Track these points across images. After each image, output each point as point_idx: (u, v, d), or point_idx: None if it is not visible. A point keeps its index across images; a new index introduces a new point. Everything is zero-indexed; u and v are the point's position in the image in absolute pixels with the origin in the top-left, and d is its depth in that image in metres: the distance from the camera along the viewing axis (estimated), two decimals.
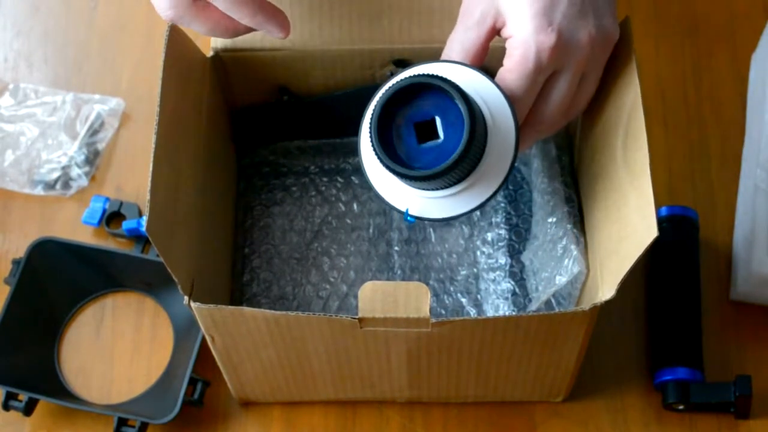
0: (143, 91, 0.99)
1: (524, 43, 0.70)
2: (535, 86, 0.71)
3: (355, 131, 0.75)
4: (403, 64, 0.82)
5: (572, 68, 0.71)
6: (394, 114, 0.70)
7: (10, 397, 0.84)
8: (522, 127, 0.73)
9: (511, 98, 0.70)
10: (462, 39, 0.73)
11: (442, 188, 0.72)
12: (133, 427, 0.83)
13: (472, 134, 0.68)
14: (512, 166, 0.71)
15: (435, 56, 0.74)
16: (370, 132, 0.69)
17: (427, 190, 0.72)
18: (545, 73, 0.71)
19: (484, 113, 0.70)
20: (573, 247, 0.78)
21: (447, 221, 0.74)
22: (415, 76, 0.69)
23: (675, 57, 1.00)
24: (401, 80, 0.69)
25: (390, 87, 0.70)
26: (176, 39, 0.74)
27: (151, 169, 0.68)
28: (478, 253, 0.86)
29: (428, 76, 0.69)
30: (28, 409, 0.84)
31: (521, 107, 0.71)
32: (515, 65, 0.70)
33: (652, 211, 0.67)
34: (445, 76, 0.69)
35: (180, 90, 0.74)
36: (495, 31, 0.72)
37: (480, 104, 0.70)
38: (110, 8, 1.05)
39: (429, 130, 0.70)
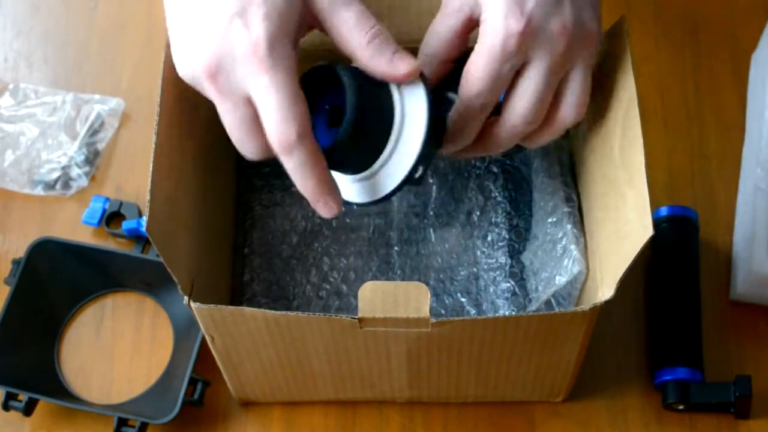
0: (143, 91, 0.99)
1: (493, 29, 0.69)
2: (501, 73, 0.70)
3: None
4: None
5: (545, 60, 0.70)
6: (317, 100, 0.71)
7: (10, 397, 0.84)
8: (495, 125, 0.73)
9: (477, 85, 0.70)
10: (439, 28, 0.73)
11: (351, 173, 0.72)
12: (133, 427, 0.83)
13: (353, 118, 0.67)
14: (420, 156, 0.70)
15: None
16: None
17: (344, 173, 0.73)
18: (513, 61, 0.70)
19: (394, 100, 0.70)
20: (573, 247, 0.78)
21: (365, 206, 0.74)
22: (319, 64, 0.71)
23: (675, 57, 1.00)
24: (310, 68, 0.71)
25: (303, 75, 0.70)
26: None
27: (150, 169, 0.68)
28: (478, 253, 0.86)
29: (325, 64, 0.70)
30: (28, 409, 0.84)
31: (488, 95, 0.71)
32: (483, 49, 0.70)
33: (647, 210, 0.67)
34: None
35: (180, 90, 0.74)
36: (472, 21, 0.72)
37: (393, 92, 0.70)
38: (110, 8, 1.05)
39: (339, 114, 0.70)
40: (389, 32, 0.76)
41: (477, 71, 0.70)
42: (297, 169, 0.68)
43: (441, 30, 0.73)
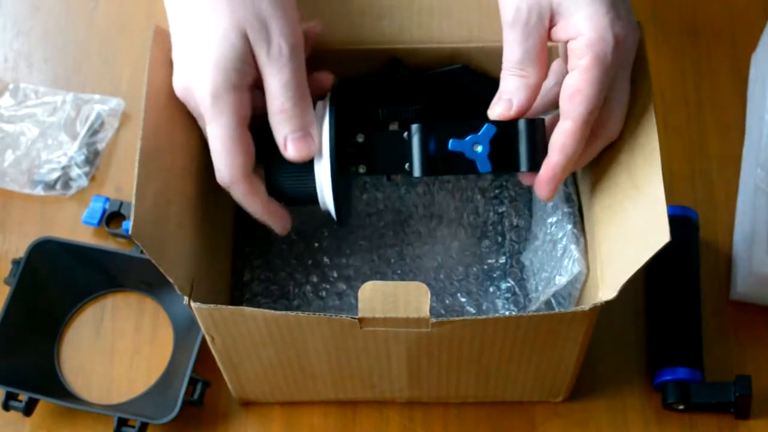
0: (144, 91, 0.99)
1: (601, 41, 0.68)
2: (607, 86, 0.69)
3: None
4: (398, 63, 0.82)
5: (629, 65, 0.70)
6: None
7: (10, 397, 0.84)
8: (589, 145, 0.72)
9: (591, 102, 0.69)
10: (527, 48, 0.70)
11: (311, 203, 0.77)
12: (133, 427, 0.83)
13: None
14: (335, 183, 0.74)
15: (435, 56, 0.74)
16: None
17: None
18: (614, 71, 0.69)
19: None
20: (573, 247, 0.78)
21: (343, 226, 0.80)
22: None
23: (675, 57, 1.00)
24: None
25: None
26: (165, 38, 0.74)
27: (135, 173, 0.68)
28: (478, 252, 0.86)
29: None
30: (28, 409, 0.84)
31: (597, 111, 0.70)
32: (591, 65, 0.68)
33: (664, 215, 0.67)
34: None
35: (170, 88, 0.74)
36: (550, 30, 0.71)
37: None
38: (110, 8, 1.05)
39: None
40: (389, 32, 0.76)
41: (588, 87, 0.68)
42: (238, 200, 0.76)
43: (529, 52, 0.70)
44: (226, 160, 0.72)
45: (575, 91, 0.69)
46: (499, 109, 0.72)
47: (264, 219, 0.77)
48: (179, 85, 0.73)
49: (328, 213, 0.77)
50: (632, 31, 0.70)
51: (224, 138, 0.72)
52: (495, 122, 0.72)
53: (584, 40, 0.68)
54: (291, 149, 0.72)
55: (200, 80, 0.71)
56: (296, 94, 0.72)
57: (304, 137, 0.72)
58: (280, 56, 0.71)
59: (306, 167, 0.74)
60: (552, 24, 0.70)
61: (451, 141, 0.72)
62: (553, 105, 0.76)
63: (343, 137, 0.75)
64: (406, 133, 0.74)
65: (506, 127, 0.72)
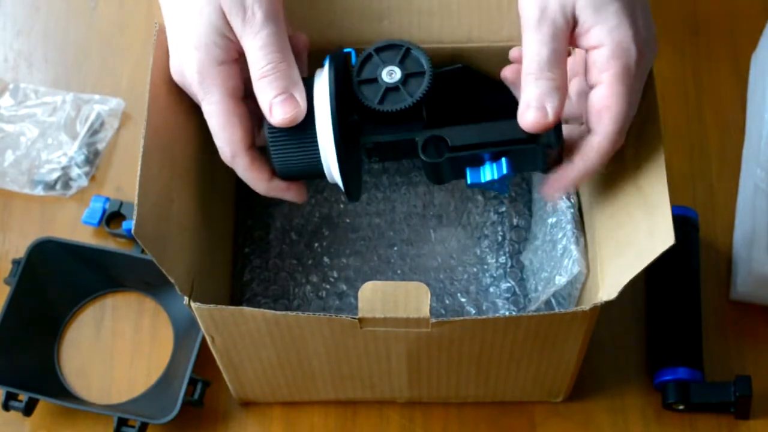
0: (143, 91, 0.98)
1: (625, 53, 0.67)
2: (635, 100, 0.69)
3: None
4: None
5: (644, 78, 0.70)
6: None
7: (10, 397, 0.84)
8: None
9: (617, 117, 0.68)
10: (554, 48, 0.67)
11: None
12: (133, 427, 0.83)
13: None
14: (340, 157, 0.71)
15: (435, 56, 0.74)
16: None
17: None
18: (640, 84, 0.69)
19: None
20: (573, 247, 0.78)
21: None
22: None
23: (675, 57, 1.00)
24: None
25: None
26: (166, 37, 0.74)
27: (138, 171, 0.69)
28: (478, 252, 0.86)
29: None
30: (28, 409, 0.84)
31: (626, 125, 0.69)
32: (616, 79, 0.67)
33: (669, 218, 0.67)
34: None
35: (175, 88, 0.74)
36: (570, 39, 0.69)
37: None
38: (110, 8, 1.05)
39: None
40: (389, 32, 0.76)
41: (617, 104, 0.67)
42: (242, 176, 0.74)
43: (555, 52, 0.67)
44: (224, 135, 0.72)
45: (603, 107, 0.68)
46: (531, 116, 0.67)
47: (271, 195, 0.76)
48: (175, 71, 0.73)
49: (337, 186, 0.75)
50: (651, 44, 0.69)
51: (218, 113, 0.71)
52: (511, 152, 0.70)
53: (607, 52, 0.67)
54: (276, 113, 0.70)
55: (187, 61, 0.71)
56: (276, 57, 0.71)
57: (288, 99, 0.71)
58: (254, 21, 0.70)
59: (308, 135, 0.72)
60: (572, 27, 0.68)
61: (469, 175, 0.72)
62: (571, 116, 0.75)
63: (345, 109, 0.73)
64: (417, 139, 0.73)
65: (524, 153, 0.70)
